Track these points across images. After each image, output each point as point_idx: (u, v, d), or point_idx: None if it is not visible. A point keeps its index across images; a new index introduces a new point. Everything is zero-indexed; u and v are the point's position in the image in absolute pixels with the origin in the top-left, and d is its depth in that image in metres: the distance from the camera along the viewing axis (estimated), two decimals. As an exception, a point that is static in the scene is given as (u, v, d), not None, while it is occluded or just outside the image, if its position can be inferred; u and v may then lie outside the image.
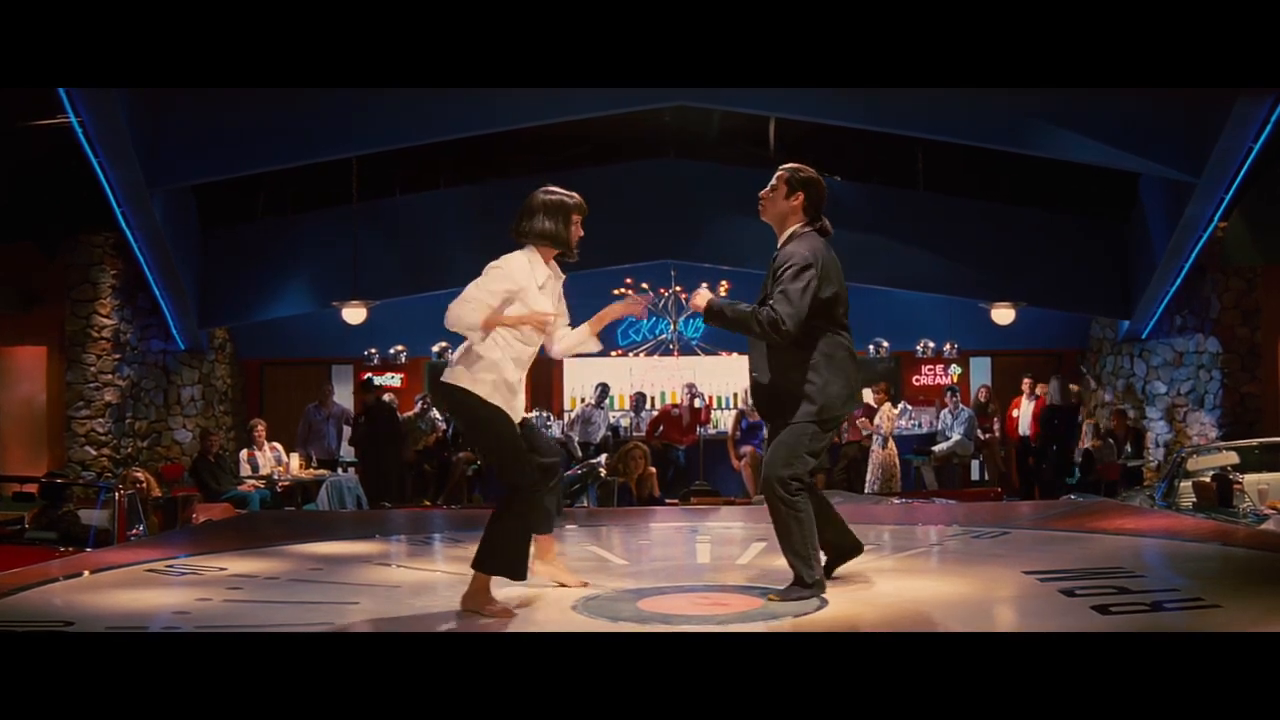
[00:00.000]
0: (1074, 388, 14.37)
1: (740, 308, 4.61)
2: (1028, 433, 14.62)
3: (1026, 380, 15.04)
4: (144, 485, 9.88)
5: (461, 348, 4.52)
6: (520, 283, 4.46)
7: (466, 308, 4.40)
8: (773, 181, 4.72)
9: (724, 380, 15.95)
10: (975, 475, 14.97)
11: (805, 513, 4.53)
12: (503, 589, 4.52)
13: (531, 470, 4.42)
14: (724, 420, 15.11)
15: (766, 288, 4.62)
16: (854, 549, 4.95)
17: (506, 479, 4.44)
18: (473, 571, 4.41)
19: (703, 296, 4.71)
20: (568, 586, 4.80)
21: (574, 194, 4.63)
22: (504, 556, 4.36)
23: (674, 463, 13.72)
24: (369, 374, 15.26)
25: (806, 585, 4.52)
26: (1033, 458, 14.51)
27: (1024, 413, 14.73)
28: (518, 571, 4.40)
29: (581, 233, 4.63)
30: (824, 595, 4.48)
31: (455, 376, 4.45)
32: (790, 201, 4.67)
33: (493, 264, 4.53)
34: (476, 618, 4.29)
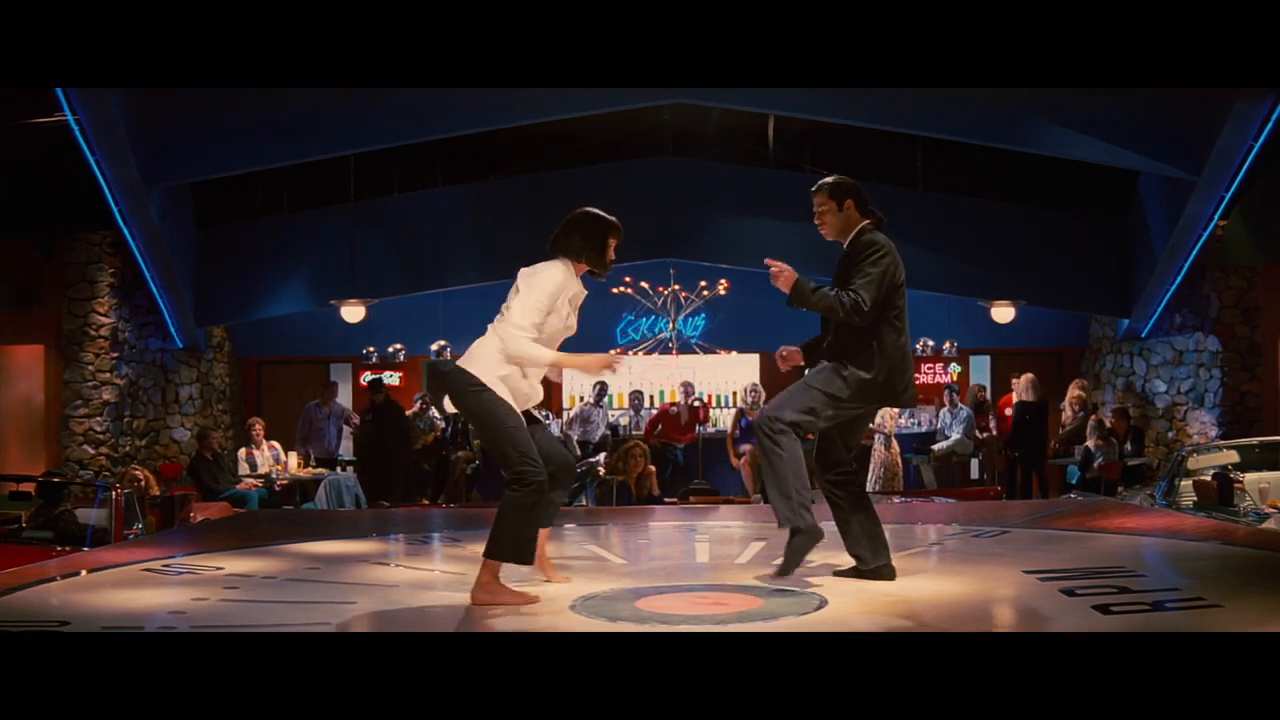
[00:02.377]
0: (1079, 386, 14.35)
1: (824, 291, 4.72)
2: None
3: (1015, 379, 15.03)
4: (142, 483, 9.84)
5: (480, 340, 4.61)
6: (555, 295, 4.58)
7: (527, 346, 4.50)
8: (817, 205, 4.91)
9: (723, 379, 15.92)
10: (975, 474, 14.95)
11: (789, 452, 4.64)
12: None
13: (535, 460, 4.46)
14: (723, 419, 15.09)
15: (839, 278, 4.79)
16: (879, 571, 4.87)
17: (510, 469, 4.49)
18: (479, 567, 4.50)
19: (788, 278, 4.74)
20: (551, 582, 4.87)
21: (613, 217, 4.76)
22: (512, 543, 4.44)
23: (673, 461, 13.70)
24: (377, 374, 15.23)
25: (793, 534, 4.61)
26: (1008, 455, 14.51)
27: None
28: (524, 557, 4.50)
29: (614, 256, 4.76)
30: (824, 595, 4.47)
31: (469, 363, 4.55)
32: (845, 211, 4.88)
33: (533, 275, 4.60)
34: (483, 613, 4.29)
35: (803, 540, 4.65)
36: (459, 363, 4.60)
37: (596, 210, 4.77)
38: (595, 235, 4.69)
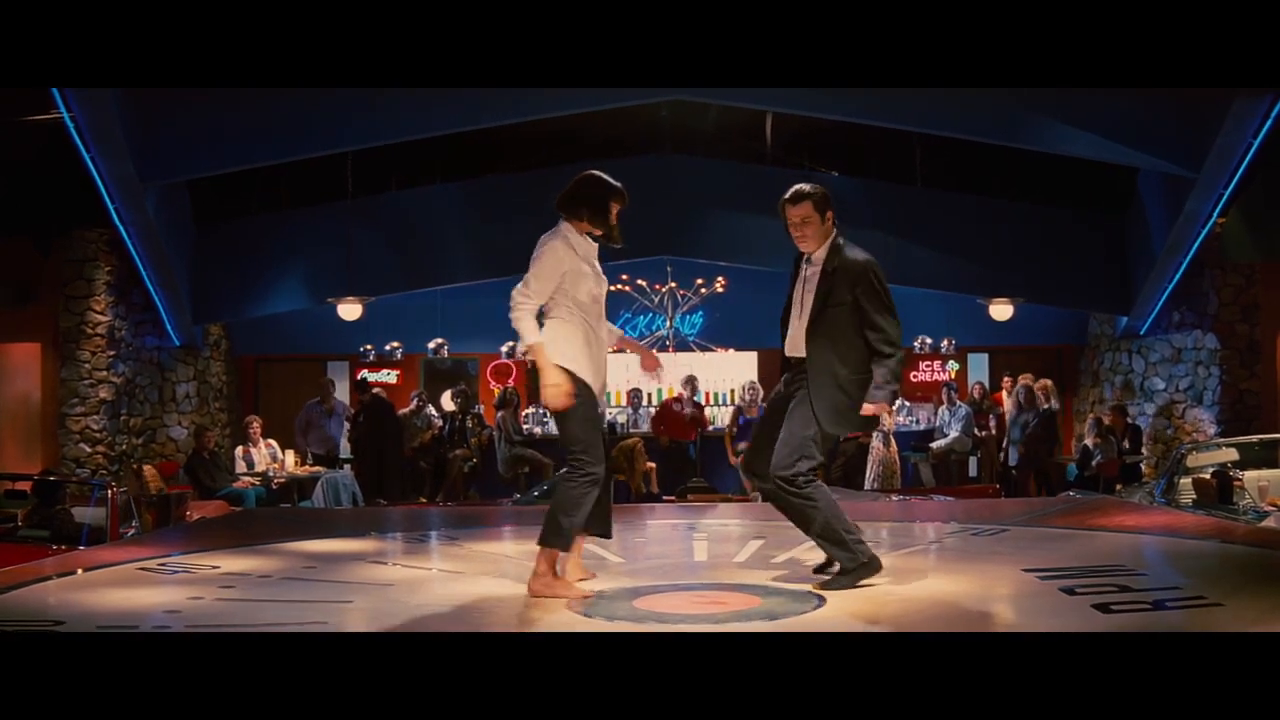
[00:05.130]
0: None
1: (885, 376, 4.65)
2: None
3: (1007, 379, 15.04)
4: (144, 480, 9.79)
5: (547, 327, 4.70)
6: (565, 266, 4.62)
7: (517, 313, 4.58)
8: (800, 216, 4.73)
9: (720, 377, 15.89)
10: (973, 472, 14.93)
11: (823, 499, 4.64)
12: (508, 590, 4.50)
13: (594, 453, 4.58)
14: (720, 417, 15.06)
15: (830, 297, 4.68)
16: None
17: (569, 456, 4.63)
18: (536, 557, 4.59)
19: (879, 407, 4.69)
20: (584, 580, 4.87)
21: (618, 182, 4.79)
22: (551, 528, 4.56)
23: (683, 457, 13.61)
24: (364, 372, 15.21)
25: (852, 570, 4.60)
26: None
27: (1008, 410, 14.71)
28: (560, 544, 4.58)
29: (617, 221, 4.79)
30: (822, 595, 4.45)
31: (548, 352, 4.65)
32: (826, 223, 4.77)
33: (536, 255, 4.64)
34: (481, 612, 4.27)
35: (864, 572, 4.61)
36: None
37: (601, 174, 4.80)
38: (597, 199, 4.72)
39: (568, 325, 4.65)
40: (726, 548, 6.18)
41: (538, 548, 4.59)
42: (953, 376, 16.14)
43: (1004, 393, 14.94)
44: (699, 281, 15.20)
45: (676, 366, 15.02)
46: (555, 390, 4.57)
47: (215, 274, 14.27)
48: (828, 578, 4.64)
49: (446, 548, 6.35)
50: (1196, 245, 12.85)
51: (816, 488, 4.63)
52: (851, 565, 4.58)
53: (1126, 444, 13.33)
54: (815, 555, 4.94)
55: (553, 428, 14.46)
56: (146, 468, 12.31)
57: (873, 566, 4.61)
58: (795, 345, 4.82)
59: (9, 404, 13.64)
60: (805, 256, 4.83)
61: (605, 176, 4.78)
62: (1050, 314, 15.56)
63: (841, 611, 4.21)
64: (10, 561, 5.90)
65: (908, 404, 15.09)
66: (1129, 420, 13.80)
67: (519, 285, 4.61)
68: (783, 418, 4.75)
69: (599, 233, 4.74)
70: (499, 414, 13.63)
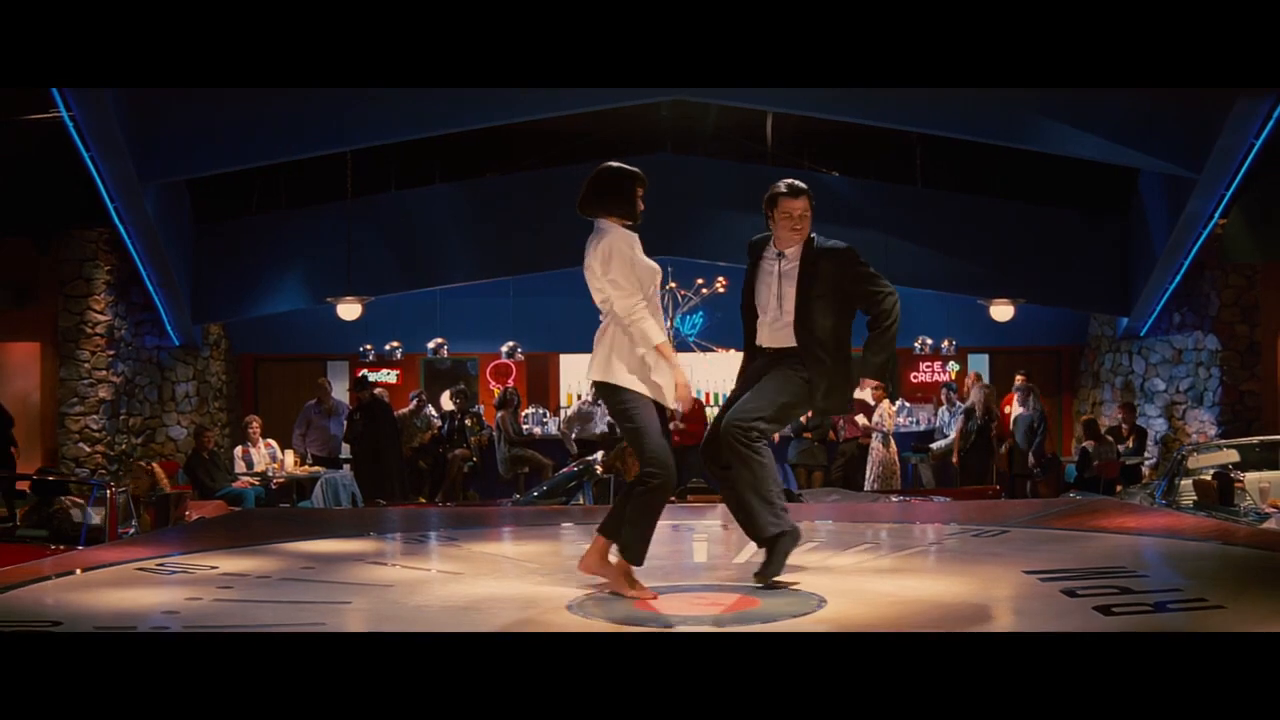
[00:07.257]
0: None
1: (879, 351, 4.73)
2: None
3: (1021, 376, 14.99)
4: (151, 477, 9.74)
5: (596, 344, 4.60)
6: (630, 253, 4.55)
7: (642, 323, 4.47)
8: (804, 210, 4.82)
9: (721, 377, 15.86)
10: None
11: (767, 458, 4.70)
12: (508, 590, 4.47)
13: (662, 463, 4.46)
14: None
15: (814, 287, 4.77)
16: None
17: (641, 469, 4.54)
18: (594, 538, 4.59)
19: (869, 385, 4.77)
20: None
21: (634, 167, 4.75)
22: (628, 539, 4.51)
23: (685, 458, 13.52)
24: (364, 371, 15.19)
25: (778, 537, 4.60)
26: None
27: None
28: (633, 557, 4.52)
29: (643, 205, 4.73)
30: (822, 595, 4.44)
31: (597, 370, 4.58)
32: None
33: (602, 253, 4.54)
34: (482, 612, 4.25)
35: (789, 541, 4.65)
36: (593, 375, 4.61)
37: (616, 164, 4.76)
38: (624, 189, 4.68)
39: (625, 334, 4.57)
40: (726, 549, 6.17)
41: (597, 533, 4.60)
42: (953, 377, 16.12)
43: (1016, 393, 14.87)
44: (699, 282, 15.18)
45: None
46: (682, 382, 4.57)
47: (215, 274, 14.26)
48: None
49: (446, 548, 6.33)
50: (1197, 246, 12.84)
51: (764, 448, 4.69)
52: (774, 530, 4.61)
53: (1131, 444, 13.32)
54: (813, 557, 4.93)
55: (551, 428, 14.52)
56: (147, 465, 12.27)
57: (794, 535, 4.66)
58: (775, 337, 4.86)
59: (8, 404, 13.61)
60: (773, 251, 4.89)
61: (621, 165, 4.74)
62: (1050, 315, 15.54)
63: (841, 613, 4.20)
64: (9, 561, 5.89)
65: (908, 405, 15.07)
66: (1135, 419, 13.79)
67: (617, 295, 4.46)
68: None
69: (628, 222, 4.67)
70: (499, 414, 13.62)
